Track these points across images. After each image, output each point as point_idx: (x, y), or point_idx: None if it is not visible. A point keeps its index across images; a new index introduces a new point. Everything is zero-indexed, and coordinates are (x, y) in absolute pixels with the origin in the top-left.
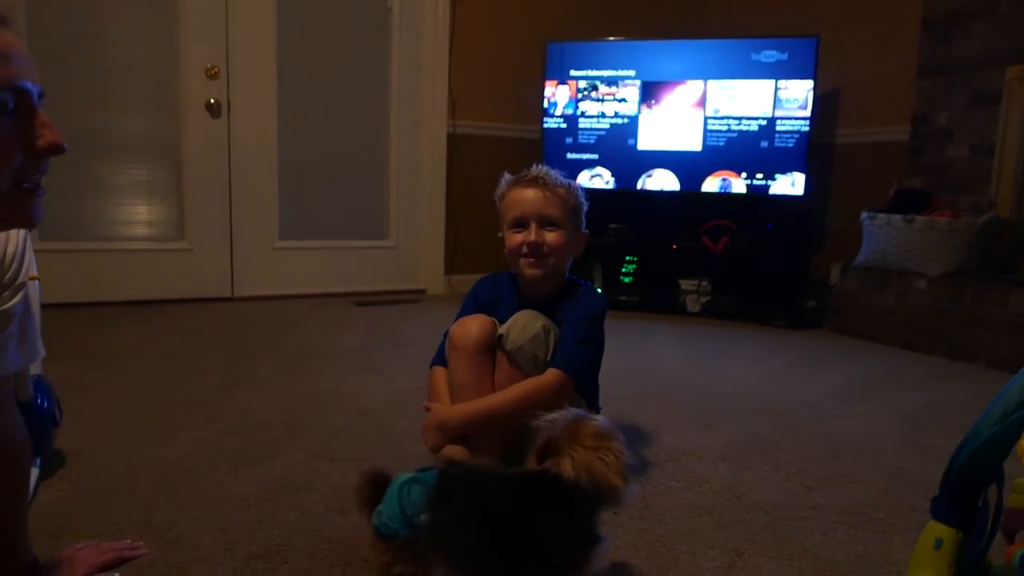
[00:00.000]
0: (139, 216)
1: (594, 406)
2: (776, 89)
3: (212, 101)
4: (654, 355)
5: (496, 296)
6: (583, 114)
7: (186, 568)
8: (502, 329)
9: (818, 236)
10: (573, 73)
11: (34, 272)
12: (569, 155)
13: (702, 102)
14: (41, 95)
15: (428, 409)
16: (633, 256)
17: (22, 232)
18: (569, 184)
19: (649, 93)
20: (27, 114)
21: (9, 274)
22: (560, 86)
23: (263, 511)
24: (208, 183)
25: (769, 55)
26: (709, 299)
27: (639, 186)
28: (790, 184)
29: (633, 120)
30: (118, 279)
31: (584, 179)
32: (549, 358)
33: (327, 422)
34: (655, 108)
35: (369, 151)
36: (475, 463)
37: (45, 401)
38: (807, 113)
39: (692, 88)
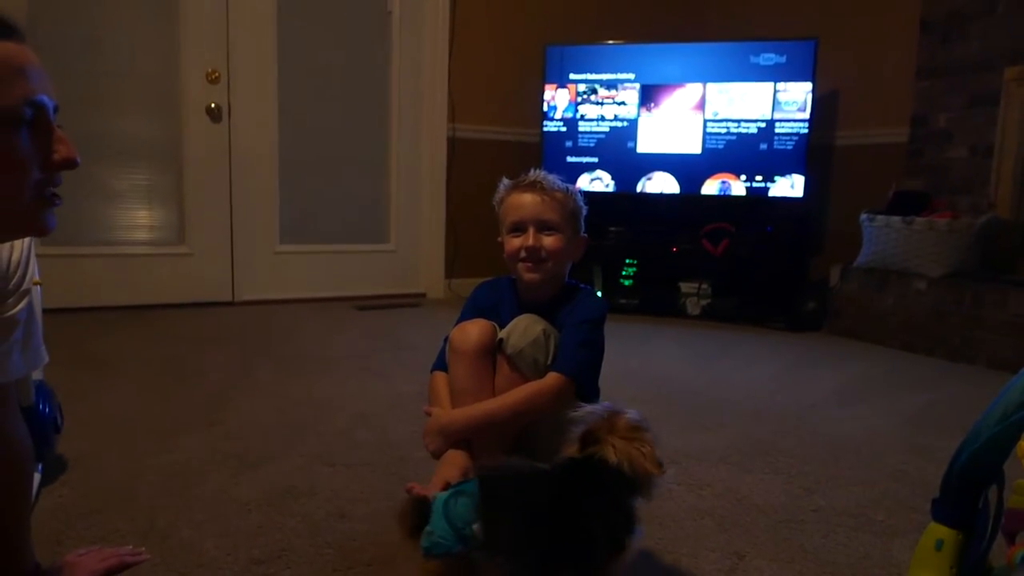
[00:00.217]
0: (140, 220)
1: None
2: (775, 92)
3: (213, 105)
4: (654, 358)
5: (496, 300)
6: (583, 117)
7: (188, 573)
8: (502, 333)
9: (818, 238)
10: (572, 76)
11: (36, 277)
12: (569, 158)
13: (701, 105)
14: (56, 109)
15: (428, 414)
16: (633, 259)
17: (26, 239)
18: (567, 188)
19: (648, 96)
20: (44, 128)
21: (14, 280)
22: (560, 89)
23: (264, 516)
24: (209, 187)
25: (768, 58)
26: (709, 302)
27: (639, 189)
28: (789, 186)
29: (632, 123)
30: (119, 284)
31: (584, 182)
32: (549, 362)
33: (328, 426)
34: (654, 111)
35: (369, 155)
36: (510, 462)
37: (47, 406)
38: (806, 115)
39: (691, 91)
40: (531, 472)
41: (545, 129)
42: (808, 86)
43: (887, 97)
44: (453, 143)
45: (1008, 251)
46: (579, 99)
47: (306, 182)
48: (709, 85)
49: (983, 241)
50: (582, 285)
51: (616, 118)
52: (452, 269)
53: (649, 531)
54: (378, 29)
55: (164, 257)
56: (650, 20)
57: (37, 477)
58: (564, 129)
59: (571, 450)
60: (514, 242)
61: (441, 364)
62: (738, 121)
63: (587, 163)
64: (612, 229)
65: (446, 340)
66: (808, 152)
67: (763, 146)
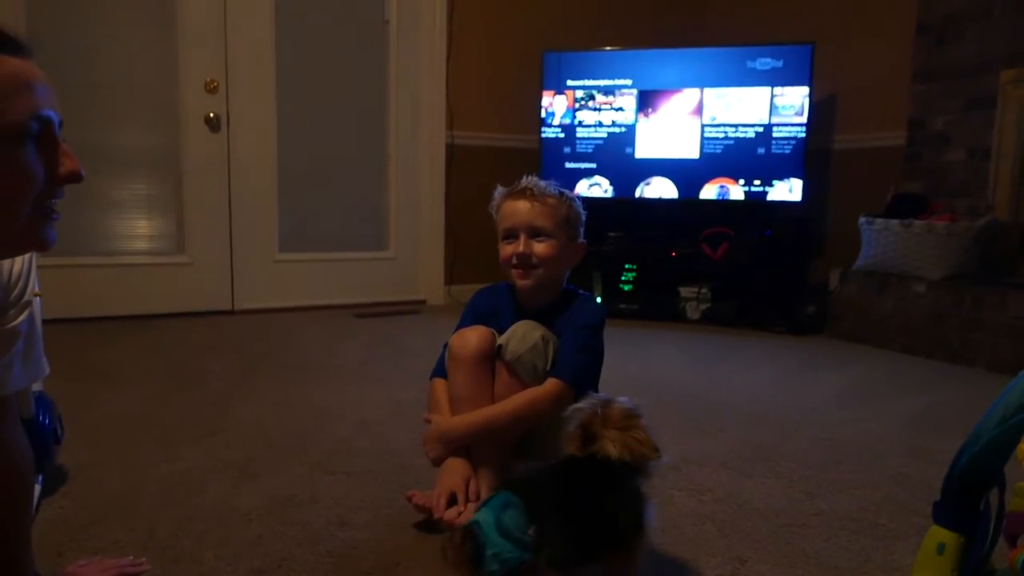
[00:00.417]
0: (139, 230)
1: None
2: (772, 96)
3: (211, 115)
4: (654, 363)
5: (495, 307)
6: (580, 123)
7: None
8: (501, 340)
9: (817, 242)
10: (570, 83)
11: (36, 289)
12: (567, 164)
13: (699, 110)
14: (60, 124)
15: (428, 421)
16: (632, 264)
17: None
18: (562, 193)
19: (646, 102)
20: (49, 142)
21: (15, 293)
22: (557, 96)
23: (265, 525)
24: (208, 197)
25: (764, 62)
26: (709, 306)
27: (637, 194)
28: (788, 190)
29: (630, 129)
30: (118, 294)
31: (582, 188)
32: (548, 368)
33: (328, 435)
34: (652, 117)
35: (368, 162)
36: (527, 465)
37: (47, 418)
38: (803, 119)
39: (689, 96)
40: (550, 471)
41: (543, 135)
42: (805, 90)
43: (884, 100)
44: (451, 150)
45: (1007, 253)
46: (577, 105)
47: (305, 190)
48: (706, 90)
49: (982, 243)
50: (580, 291)
51: (614, 124)
52: (452, 276)
53: None
54: (375, 37)
55: (164, 267)
56: (647, 26)
57: (37, 489)
58: (562, 135)
59: (572, 448)
60: (507, 249)
61: (440, 371)
62: (736, 126)
63: (585, 169)
64: (611, 234)
65: (445, 347)
66: (806, 156)
67: (761, 150)
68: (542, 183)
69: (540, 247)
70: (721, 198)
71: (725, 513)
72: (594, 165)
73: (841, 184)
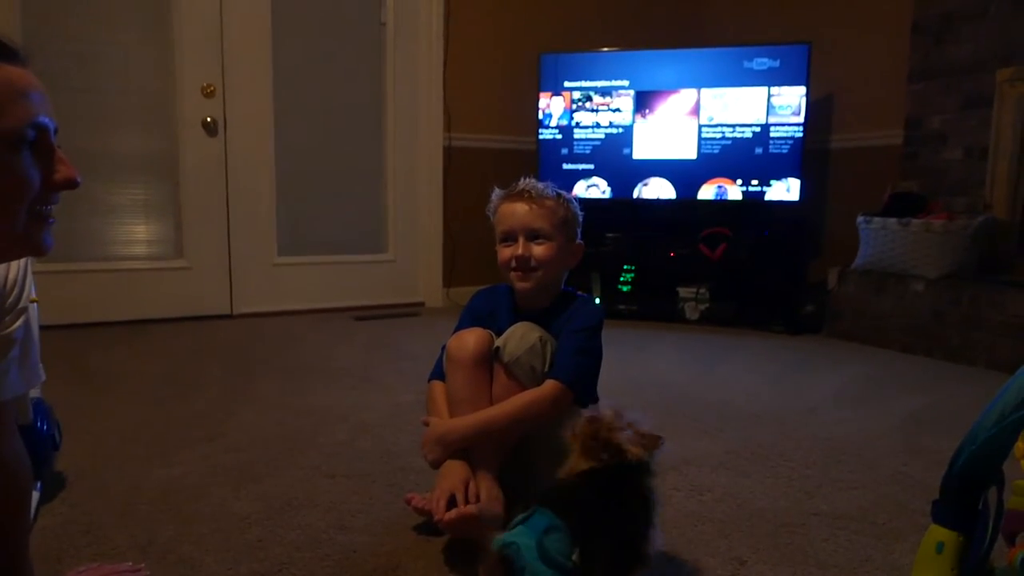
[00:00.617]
0: (137, 235)
1: None
2: (769, 96)
3: (209, 119)
4: (653, 363)
5: (493, 309)
6: (578, 125)
7: None
8: (499, 341)
9: (815, 241)
10: (567, 84)
11: (33, 295)
12: (565, 165)
13: (696, 110)
14: (56, 130)
15: (426, 424)
16: (631, 265)
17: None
18: (559, 195)
19: (643, 102)
20: (45, 149)
21: (11, 299)
22: (554, 97)
23: (264, 529)
24: (206, 201)
25: (761, 62)
26: (707, 306)
27: (635, 195)
28: (785, 190)
29: (628, 130)
30: (117, 299)
31: (580, 189)
32: (547, 369)
33: (328, 438)
34: (649, 117)
35: (366, 165)
36: (561, 484)
37: (45, 424)
38: (800, 119)
39: (686, 97)
40: (586, 487)
41: (541, 137)
42: (802, 90)
43: (881, 100)
44: (449, 152)
45: (1005, 252)
46: (574, 106)
47: (303, 194)
48: (703, 90)
49: (980, 242)
50: (579, 293)
51: (611, 125)
52: (450, 278)
53: None
54: (372, 40)
55: (162, 271)
56: (643, 27)
57: (36, 495)
58: (560, 136)
59: (593, 460)
60: (505, 252)
61: (439, 373)
62: (733, 126)
63: (583, 170)
64: (609, 235)
65: (443, 349)
66: (803, 155)
67: (758, 150)
68: (540, 185)
69: (539, 249)
70: (719, 198)
71: (724, 513)
72: (592, 166)
73: (839, 183)
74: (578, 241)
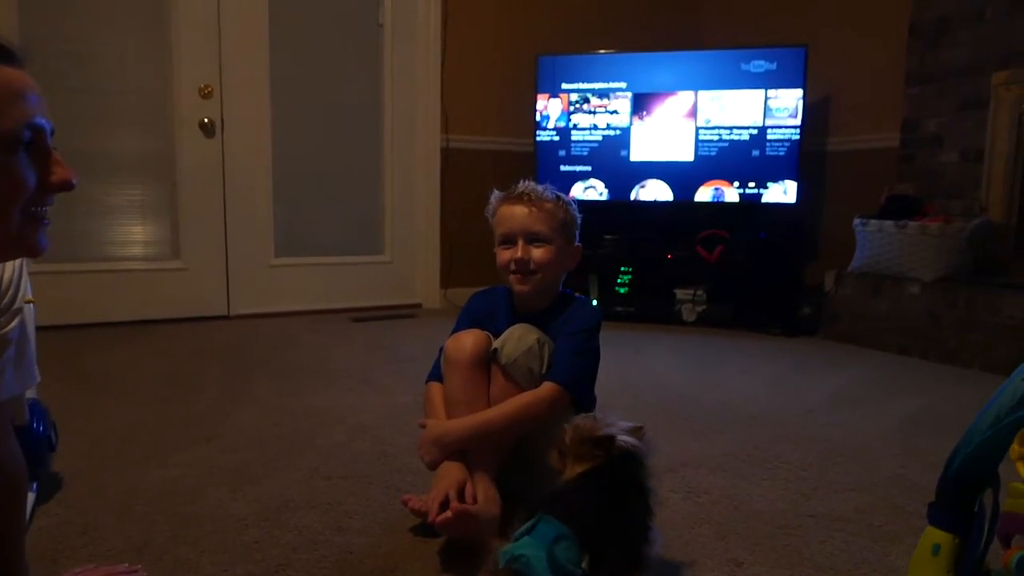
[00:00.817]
0: (134, 236)
1: None
2: (766, 98)
3: (206, 120)
4: (650, 365)
5: (491, 310)
6: (575, 126)
7: None
8: (496, 343)
9: (812, 243)
10: (565, 86)
11: (29, 295)
12: (562, 167)
13: (693, 112)
14: (52, 132)
15: (423, 426)
16: (628, 267)
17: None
18: (558, 197)
19: (640, 105)
20: (41, 151)
21: (6, 300)
22: (552, 99)
23: (261, 531)
24: (203, 202)
25: (758, 65)
26: (704, 308)
27: (633, 197)
28: (782, 192)
29: (625, 132)
30: (113, 299)
31: (578, 191)
32: (544, 371)
33: (325, 439)
34: (647, 119)
35: (363, 167)
36: (560, 489)
37: (41, 425)
38: (797, 121)
39: (683, 99)
40: (587, 491)
41: (538, 139)
42: (799, 92)
43: (878, 102)
44: (446, 154)
45: (1000, 254)
46: (572, 108)
47: (300, 195)
48: (701, 93)
49: (975, 245)
50: (577, 295)
51: (609, 127)
52: (448, 279)
53: None
54: (370, 42)
55: (159, 272)
56: (641, 29)
57: (32, 496)
58: (557, 138)
59: (593, 460)
60: (504, 254)
61: (436, 375)
62: (730, 128)
63: (580, 172)
64: (607, 237)
65: (441, 350)
66: (800, 158)
67: (755, 152)
68: (538, 187)
69: (538, 252)
70: (716, 200)
71: (721, 515)
72: (589, 168)
73: (835, 186)
74: (576, 243)
